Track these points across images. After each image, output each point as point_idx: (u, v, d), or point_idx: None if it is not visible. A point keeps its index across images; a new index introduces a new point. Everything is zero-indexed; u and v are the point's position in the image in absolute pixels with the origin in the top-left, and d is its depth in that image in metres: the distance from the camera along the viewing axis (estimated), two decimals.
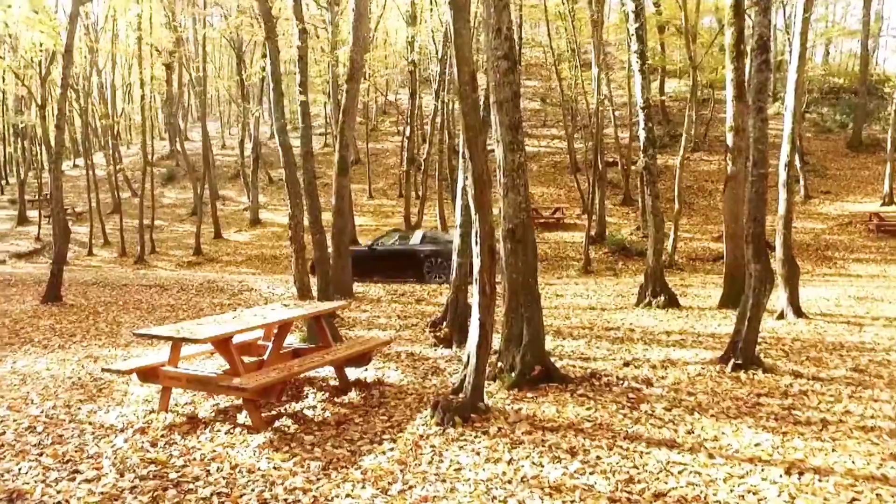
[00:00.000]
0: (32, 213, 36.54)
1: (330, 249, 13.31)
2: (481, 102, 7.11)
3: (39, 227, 34.25)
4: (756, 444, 5.19)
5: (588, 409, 6.06)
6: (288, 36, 24.09)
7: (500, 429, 5.54)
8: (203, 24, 34.17)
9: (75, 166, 45.83)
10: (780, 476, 4.59)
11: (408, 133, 26.94)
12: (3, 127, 46.96)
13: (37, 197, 37.17)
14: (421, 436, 5.47)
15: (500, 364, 6.89)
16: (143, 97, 32.31)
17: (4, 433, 5.90)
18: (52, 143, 16.58)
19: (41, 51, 25.80)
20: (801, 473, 4.64)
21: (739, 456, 4.98)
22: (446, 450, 5.16)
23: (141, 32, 29.13)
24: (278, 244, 27.46)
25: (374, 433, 5.63)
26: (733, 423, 5.69)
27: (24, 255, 31.43)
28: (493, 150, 6.96)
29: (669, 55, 37.70)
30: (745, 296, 7.71)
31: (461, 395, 5.91)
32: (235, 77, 38.06)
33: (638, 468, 4.77)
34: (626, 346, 8.94)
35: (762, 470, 4.70)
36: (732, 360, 7.44)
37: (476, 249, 5.93)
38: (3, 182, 48.06)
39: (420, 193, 25.64)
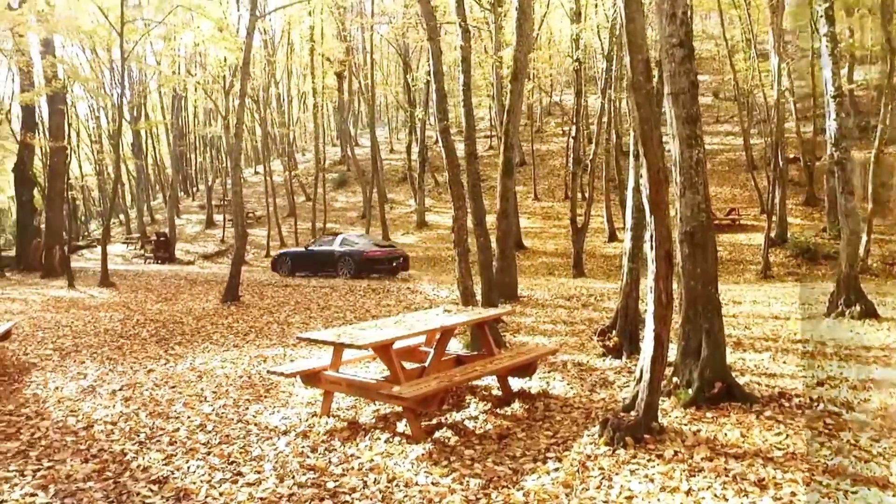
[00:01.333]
0: (218, 217, 39.24)
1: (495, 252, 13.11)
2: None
3: (224, 230, 36.70)
4: None
5: (777, 434, 5.37)
6: (451, 37, 24.24)
7: (676, 452, 5.01)
8: (371, 31, 35.23)
9: (256, 173, 48.85)
10: None
11: (573, 133, 26.23)
12: (195, 138, 50.96)
13: (222, 202, 39.92)
14: (588, 456, 5.06)
15: (675, 379, 6.31)
16: (315, 105, 33.84)
17: (178, 430, 6.10)
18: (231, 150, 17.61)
19: (225, 66, 27.71)
20: None
21: None
22: (616, 474, 4.71)
23: (313, 44, 30.47)
24: (444, 246, 27.69)
25: (538, 450, 5.28)
26: None
27: (210, 256, 33.80)
28: (667, 148, 6.42)
29: (858, 39, 34.49)
30: None
31: (633, 413, 5.43)
32: (402, 83, 39.05)
33: None
34: (818, 361, 8.01)
35: None
36: None
37: (651, 255, 5.42)
38: (194, 189, 52.07)
39: (587, 195, 24.95)
